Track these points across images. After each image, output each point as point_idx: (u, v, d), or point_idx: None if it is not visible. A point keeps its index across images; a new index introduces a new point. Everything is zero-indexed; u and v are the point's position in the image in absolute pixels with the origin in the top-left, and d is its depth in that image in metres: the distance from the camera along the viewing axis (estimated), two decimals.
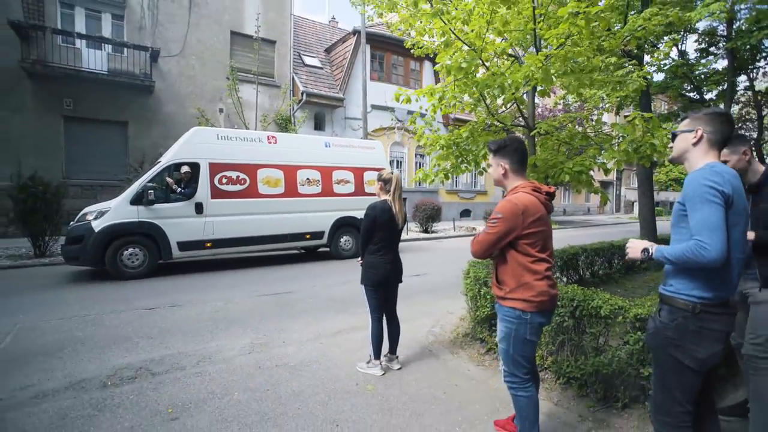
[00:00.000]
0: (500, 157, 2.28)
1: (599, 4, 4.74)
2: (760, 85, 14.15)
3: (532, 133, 4.49)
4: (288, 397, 3.02)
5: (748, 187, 2.54)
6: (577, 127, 6.03)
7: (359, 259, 3.46)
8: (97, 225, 6.49)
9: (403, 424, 2.68)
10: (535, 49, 4.36)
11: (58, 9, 11.66)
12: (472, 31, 3.28)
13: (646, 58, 8.88)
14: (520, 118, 4.80)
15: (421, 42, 4.91)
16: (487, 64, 3.60)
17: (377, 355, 3.43)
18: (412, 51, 5.22)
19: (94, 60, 11.37)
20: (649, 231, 7.93)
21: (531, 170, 4.31)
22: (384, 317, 3.50)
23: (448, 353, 3.94)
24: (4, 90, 10.77)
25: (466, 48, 3.63)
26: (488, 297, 3.82)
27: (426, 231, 15.33)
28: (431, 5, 3.73)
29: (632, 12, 7.10)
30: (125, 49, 11.89)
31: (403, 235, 11.83)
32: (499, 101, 4.82)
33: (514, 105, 5.34)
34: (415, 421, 2.72)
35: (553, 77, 3.49)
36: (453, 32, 3.53)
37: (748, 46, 10.14)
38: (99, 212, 6.63)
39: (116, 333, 4.30)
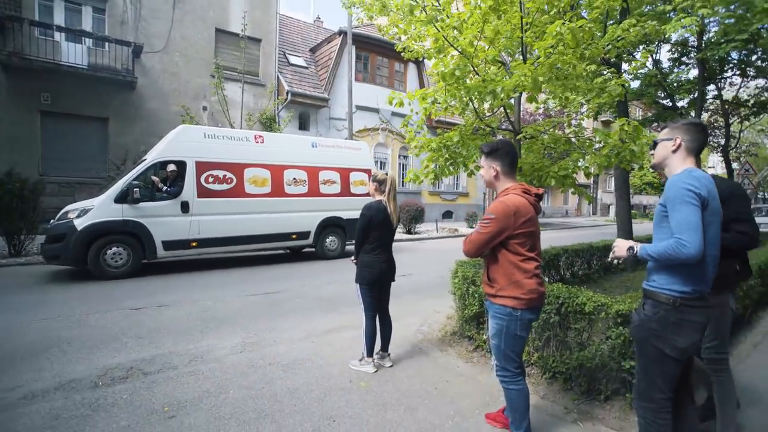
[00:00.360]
0: (492, 159, 2.37)
1: (582, 14, 4.95)
2: (727, 95, 14.83)
3: (518, 137, 4.64)
4: (283, 394, 3.06)
5: None
6: (559, 131, 6.24)
7: (353, 258, 3.53)
8: (80, 223, 6.36)
9: (398, 418, 2.76)
10: (521, 56, 4.52)
11: (36, 0, 11.32)
12: (464, 38, 3.40)
13: (624, 66, 9.23)
14: (507, 122, 4.95)
15: (411, 46, 5.01)
16: (477, 70, 3.73)
17: (370, 352, 3.50)
18: (402, 54, 5.32)
19: (74, 54, 11.08)
20: (625, 232, 8.21)
21: (517, 174, 4.46)
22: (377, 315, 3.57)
23: (437, 351, 4.05)
24: None
25: (457, 54, 3.74)
26: (476, 296, 3.93)
27: (409, 232, 15.47)
28: (425, 12, 3.83)
29: (611, 21, 7.38)
30: (107, 44, 11.63)
31: None
32: (486, 105, 4.97)
33: (500, 109, 5.51)
34: (409, 416, 2.81)
35: (541, 84, 3.64)
36: (446, 39, 3.64)
37: (717, 57, 10.64)
38: (82, 210, 6.50)
39: (104, 333, 4.25)
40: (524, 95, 4.74)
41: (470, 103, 4.39)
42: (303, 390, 3.14)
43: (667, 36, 9.02)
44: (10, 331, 4.24)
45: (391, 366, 3.62)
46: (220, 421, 2.68)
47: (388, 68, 19.63)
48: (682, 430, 2.02)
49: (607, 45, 4.61)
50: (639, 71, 10.58)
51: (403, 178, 20.88)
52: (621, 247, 2.02)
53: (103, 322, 4.58)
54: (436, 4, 3.83)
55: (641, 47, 10.56)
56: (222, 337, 4.26)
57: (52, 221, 6.80)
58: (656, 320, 1.89)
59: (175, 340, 4.14)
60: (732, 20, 7.30)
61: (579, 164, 4.18)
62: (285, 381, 3.28)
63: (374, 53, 18.88)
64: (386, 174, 3.40)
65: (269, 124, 14.55)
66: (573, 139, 4.87)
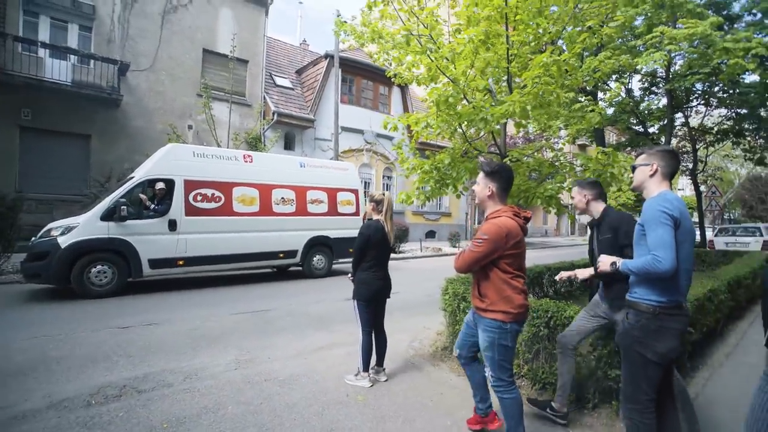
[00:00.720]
0: (491, 179, 2.49)
1: (563, 47, 5.30)
2: (694, 122, 15.76)
3: (504, 160, 4.88)
4: (282, 409, 3.09)
5: (589, 223, 3.17)
6: (543, 154, 6.55)
7: (350, 275, 3.63)
8: (64, 241, 6.25)
9: (397, 429, 2.84)
10: (507, 84, 4.81)
11: (21, 16, 11.27)
12: (457, 69, 3.64)
13: (600, 94, 9.79)
14: (494, 146, 5.20)
15: (402, 73, 5.24)
16: (468, 98, 3.96)
17: (366, 367, 3.57)
18: (393, 80, 5.55)
19: (58, 70, 11.02)
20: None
21: None
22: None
23: (429, 365, 4.13)
24: None
25: (448, 81, 3.98)
26: (467, 312, 4.06)
27: (393, 251, 15.57)
28: (420, 44, 4.07)
29: (587, 53, 7.87)
30: (92, 61, 11.60)
31: None
32: (472, 130, 5.22)
33: (485, 134, 5.78)
34: (408, 426, 2.88)
35: (528, 112, 3.89)
36: (439, 68, 3.88)
37: (683, 88, 11.37)
38: (66, 228, 6.39)
39: (92, 352, 4.18)
40: (510, 121, 5.02)
41: (459, 128, 4.62)
42: (301, 405, 3.17)
43: (639, 68, 9.64)
44: None
45: (386, 380, 3.68)
46: None
47: (372, 91, 20.07)
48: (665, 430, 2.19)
49: (586, 76, 4.95)
50: (614, 100, 11.19)
51: None
52: (605, 263, 2.24)
53: (91, 341, 4.50)
54: (429, 36, 4.08)
55: (614, 77, 11.20)
56: (215, 355, 4.25)
57: (33, 239, 6.66)
58: (639, 328, 2.09)
59: (167, 358, 4.10)
60: (695, 55, 7.88)
61: (563, 185, 4.42)
62: (283, 396, 3.31)
63: (359, 76, 19.31)
64: (383, 194, 3.54)
65: (255, 143, 14.62)
66: (556, 163, 5.14)
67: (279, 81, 17.53)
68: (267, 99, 15.96)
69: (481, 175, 2.55)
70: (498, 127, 3.89)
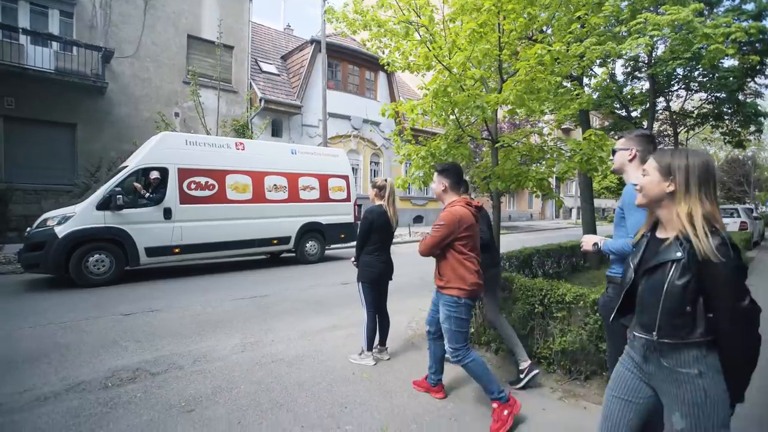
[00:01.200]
0: (443, 176, 2.88)
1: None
2: (675, 106, 16.14)
3: (496, 145, 5.05)
4: (293, 387, 3.27)
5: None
6: (533, 139, 6.74)
7: (353, 259, 3.78)
8: (61, 231, 6.26)
9: (404, 403, 3.04)
10: (498, 72, 4.94)
11: None
12: (455, 61, 3.76)
13: (585, 80, 9.97)
14: (486, 131, 5.36)
15: (396, 60, 5.33)
16: (464, 87, 4.09)
17: (370, 346, 3.75)
18: (386, 67, 5.64)
19: (41, 58, 10.74)
20: (589, 232, 8.88)
21: (495, 179, 4.86)
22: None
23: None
24: None
25: (443, 69, 4.10)
26: None
27: None
28: (419, 35, 4.17)
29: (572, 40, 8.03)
30: (75, 48, 11.32)
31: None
32: (464, 117, 5.36)
33: (476, 120, 5.93)
34: (413, 400, 3.09)
35: (524, 99, 4.05)
36: (437, 58, 3.99)
37: (665, 73, 11.64)
38: (62, 217, 6.40)
39: (100, 338, 4.29)
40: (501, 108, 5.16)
41: (453, 115, 4.75)
42: (310, 383, 3.35)
43: (624, 53, 9.84)
44: (4, 337, 4.20)
45: (388, 359, 3.88)
46: (238, 411, 2.86)
47: (359, 76, 19.96)
48: None
49: (574, 63, 5.11)
50: (600, 86, 11.40)
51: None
52: (588, 242, 2.40)
53: (97, 328, 4.60)
54: (427, 27, 4.18)
55: (598, 62, 11.38)
56: (220, 338, 4.39)
57: (29, 229, 6.64)
58: (617, 299, 2.30)
59: (174, 342, 4.23)
60: (677, 42, 8.09)
61: (553, 169, 4.61)
62: (291, 375, 3.48)
63: (345, 62, 19.18)
64: (386, 180, 3.68)
65: (242, 131, 14.52)
66: (545, 147, 5.32)
67: (265, 67, 17.31)
68: (253, 85, 15.79)
69: (435, 174, 2.96)
70: (491, 113, 4.04)
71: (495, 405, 2.69)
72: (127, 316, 5.09)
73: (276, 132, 16.69)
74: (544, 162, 4.96)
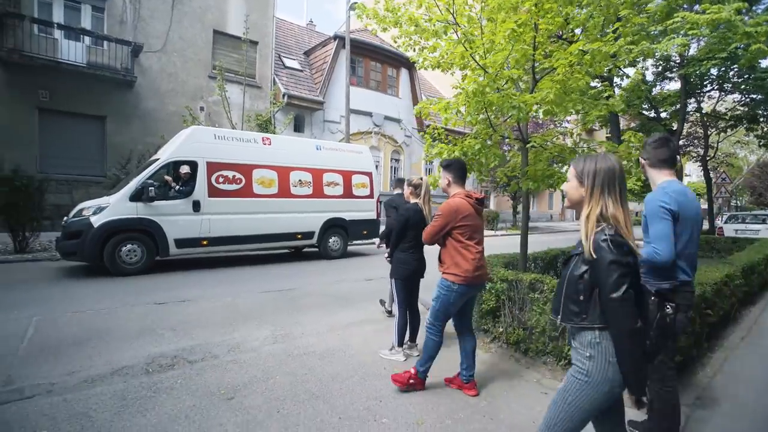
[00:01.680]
0: (447, 171, 3.13)
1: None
2: (706, 108, 15.68)
3: (527, 145, 5.02)
4: (327, 379, 3.33)
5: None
6: (562, 140, 6.66)
7: (387, 255, 3.82)
8: (96, 220, 6.47)
9: (437, 399, 3.07)
10: (532, 73, 4.89)
11: None
12: (494, 60, 3.75)
13: (616, 80, 9.79)
14: (517, 132, 5.32)
15: (427, 57, 5.32)
16: (499, 87, 4.07)
17: (400, 342, 3.79)
18: (416, 65, 5.63)
19: (74, 52, 11.06)
20: None
21: (526, 179, 4.83)
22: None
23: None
24: None
25: (478, 69, 4.09)
26: (493, 291, 4.25)
27: None
28: (457, 34, 4.16)
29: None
30: (105, 43, 11.62)
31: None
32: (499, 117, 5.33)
33: (507, 119, 5.89)
34: (447, 397, 3.12)
35: (564, 100, 4.01)
36: (474, 58, 3.98)
37: (698, 73, 11.33)
38: (97, 208, 6.61)
39: (137, 325, 4.43)
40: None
41: (485, 114, 4.73)
42: (344, 375, 3.41)
43: (656, 53, 9.61)
44: (47, 323, 4.38)
45: (418, 355, 3.89)
46: (276, 401, 2.93)
47: (381, 73, 19.97)
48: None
49: (609, 63, 5.03)
50: (633, 87, 11.16)
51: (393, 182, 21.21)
52: None
53: (133, 316, 4.75)
54: (465, 26, 4.17)
55: (626, 62, 11.12)
56: (251, 329, 4.48)
57: (66, 218, 6.87)
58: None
59: (208, 332, 4.34)
60: (715, 41, 7.86)
61: None
62: (324, 368, 3.54)
63: (368, 58, 19.20)
64: (421, 179, 3.70)
65: (265, 126, 14.68)
66: (576, 148, 5.26)
67: (288, 63, 17.47)
68: (277, 81, 15.95)
69: (441, 170, 3.20)
70: (526, 114, 4.00)
71: (413, 370, 3.14)
72: (160, 305, 5.24)
73: (298, 128, 16.83)
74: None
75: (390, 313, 5.02)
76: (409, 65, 20.68)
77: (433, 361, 3.13)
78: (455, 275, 2.90)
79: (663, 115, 13.91)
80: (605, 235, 1.53)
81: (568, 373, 1.66)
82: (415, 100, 21.05)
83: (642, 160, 2.46)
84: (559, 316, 1.69)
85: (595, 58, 3.80)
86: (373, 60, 19.44)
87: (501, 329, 4.30)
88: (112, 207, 6.63)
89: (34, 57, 10.50)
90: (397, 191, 5.32)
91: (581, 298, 1.60)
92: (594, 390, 1.56)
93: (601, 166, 1.62)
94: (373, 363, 3.71)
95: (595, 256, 1.53)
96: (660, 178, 2.37)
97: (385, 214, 5.58)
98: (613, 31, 4.02)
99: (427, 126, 5.68)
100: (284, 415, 2.74)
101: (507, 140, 5.05)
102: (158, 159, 7.40)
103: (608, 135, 19.84)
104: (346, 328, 4.71)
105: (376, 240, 6.25)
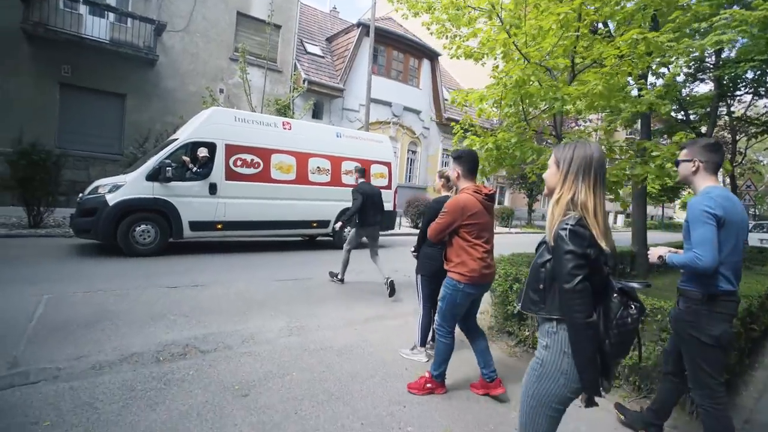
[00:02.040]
0: (457, 163, 2.94)
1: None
2: (737, 112, 15.04)
3: (562, 142, 4.74)
4: (346, 378, 3.14)
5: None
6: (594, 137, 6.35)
7: (413, 250, 3.61)
8: (111, 198, 6.36)
9: (462, 405, 2.89)
10: (572, 64, 4.60)
11: None
12: (541, 48, 3.48)
13: (650, 78, 9.35)
14: (552, 127, 5.05)
15: (461, 45, 5.05)
16: (541, 78, 3.81)
17: (423, 342, 3.59)
18: (448, 53, 5.37)
19: (98, 28, 10.96)
20: (640, 239, 8.36)
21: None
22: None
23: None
24: (1, 52, 10.23)
25: (521, 58, 3.82)
26: (518, 292, 4.03)
27: (417, 226, 15.55)
28: (501, 21, 3.89)
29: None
30: (129, 20, 11.50)
31: (396, 230, 12.00)
32: (533, 110, 5.05)
33: (538, 113, 5.60)
34: (475, 403, 2.92)
35: (613, 93, 3.74)
36: (516, 46, 3.71)
37: (732, 75, 10.79)
38: (113, 186, 6.49)
39: (149, 309, 4.29)
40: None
41: (521, 107, 4.47)
42: (364, 375, 3.22)
43: (692, 51, 9.15)
44: (57, 301, 4.27)
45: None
46: (293, 401, 2.75)
47: (403, 63, 19.60)
48: None
49: (656, 58, 4.70)
50: (669, 83, 10.70)
51: (410, 174, 20.98)
52: (654, 255, 2.35)
53: (145, 299, 4.62)
54: (510, 10, 3.90)
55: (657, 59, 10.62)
56: (266, 319, 4.33)
57: (81, 195, 6.78)
58: (689, 313, 2.23)
59: (221, 320, 4.19)
60: (764, 41, 7.41)
61: (626, 172, 4.28)
62: (343, 366, 3.36)
63: (391, 47, 18.83)
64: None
65: (284, 111, 14.49)
66: (614, 148, 4.97)
67: (310, 48, 17.20)
68: (298, 66, 15.71)
69: (451, 160, 3.02)
70: (570, 107, 3.74)
71: (427, 374, 3.01)
72: (173, 288, 5.11)
73: (316, 114, 16.61)
74: (615, 164, 4.61)
75: (335, 276, 5.90)
76: (432, 56, 20.27)
77: (447, 364, 3.00)
78: (461, 274, 2.78)
79: (692, 117, 13.36)
80: (566, 224, 1.49)
81: (529, 364, 1.66)
82: (436, 92, 20.65)
83: (692, 163, 2.27)
84: (519, 304, 1.68)
85: (650, 47, 3.49)
86: (395, 49, 19.06)
87: (527, 332, 4.09)
88: (129, 185, 6.51)
89: (58, 31, 10.42)
90: (361, 180, 6.21)
91: (541, 286, 1.58)
92: (550, 381, 1.54)
93: (579, 152, 1.57)
94: (393, 362, 3.52)
95: (553, 245, 1.51)
96: (706, 182, 2.26)
97: (352, 198, 5.99)
98: (671, 21, 3.71)
99: (446, 119, 5.44)
100: (302, 417, 2.57)
101: (542, 135, 4.77)
102: (177, 139, 7.24)
103: (629, 136, 19.25)
104: (365, 323, 4.53)
105: (338, 225, 6.68)
